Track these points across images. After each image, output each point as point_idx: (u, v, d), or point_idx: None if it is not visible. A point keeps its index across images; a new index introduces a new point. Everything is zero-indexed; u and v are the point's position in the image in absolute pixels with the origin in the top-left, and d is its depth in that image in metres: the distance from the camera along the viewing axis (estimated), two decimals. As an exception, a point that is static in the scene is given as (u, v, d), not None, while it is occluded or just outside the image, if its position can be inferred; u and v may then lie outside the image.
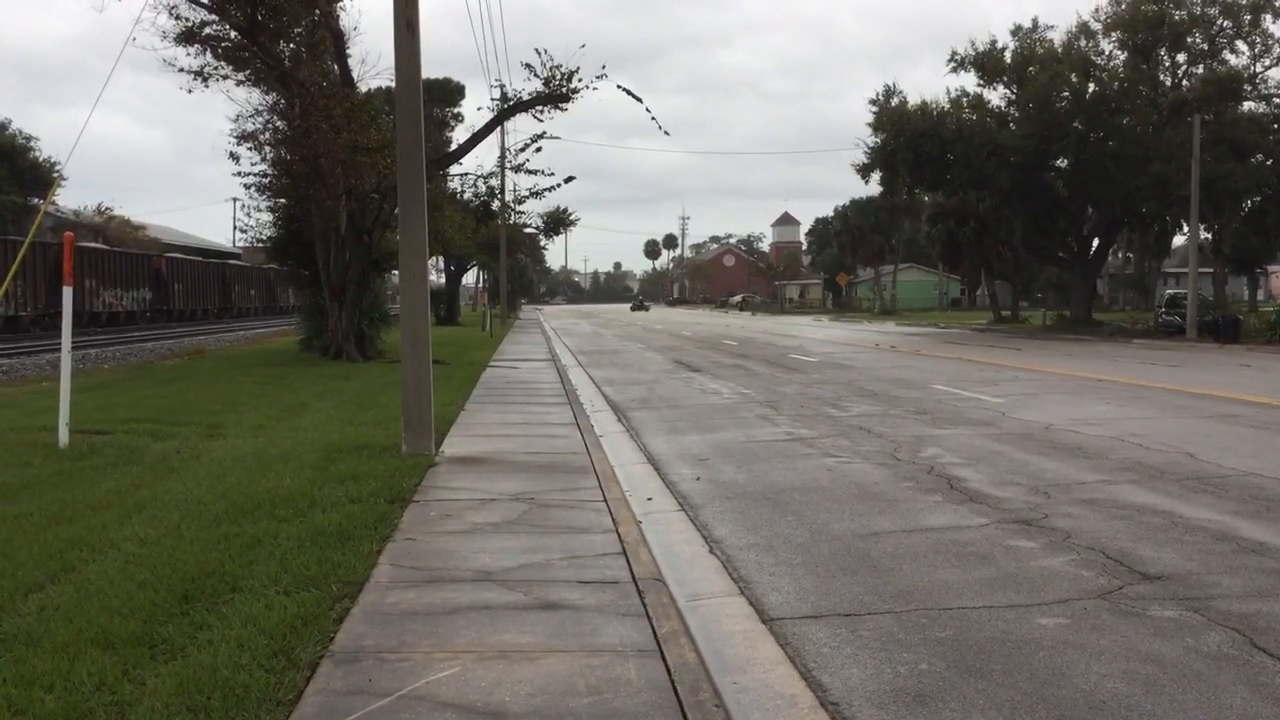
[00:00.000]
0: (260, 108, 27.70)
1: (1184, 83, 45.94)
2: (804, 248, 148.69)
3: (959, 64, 48.07)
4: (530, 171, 25.89)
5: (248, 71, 25.10)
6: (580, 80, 22.72)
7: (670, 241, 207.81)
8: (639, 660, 5.22)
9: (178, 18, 23.35)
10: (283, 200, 28.98)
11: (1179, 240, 64.90)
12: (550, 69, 22.51)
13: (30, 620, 5.60)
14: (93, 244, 50.51)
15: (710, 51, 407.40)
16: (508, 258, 63.98)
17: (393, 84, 13.32)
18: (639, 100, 21.76)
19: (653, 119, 22.36)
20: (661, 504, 9.55)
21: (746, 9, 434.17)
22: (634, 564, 7.01)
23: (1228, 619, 6.05)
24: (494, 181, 30.21)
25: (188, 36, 23.62)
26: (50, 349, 29.31)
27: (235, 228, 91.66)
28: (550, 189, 27.05)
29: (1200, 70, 45.88)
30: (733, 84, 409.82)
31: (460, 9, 52.98)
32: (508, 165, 27.84)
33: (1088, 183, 46.42)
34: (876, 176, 50.89)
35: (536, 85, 22.92)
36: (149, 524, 7.76)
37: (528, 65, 22.58)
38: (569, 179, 26.73)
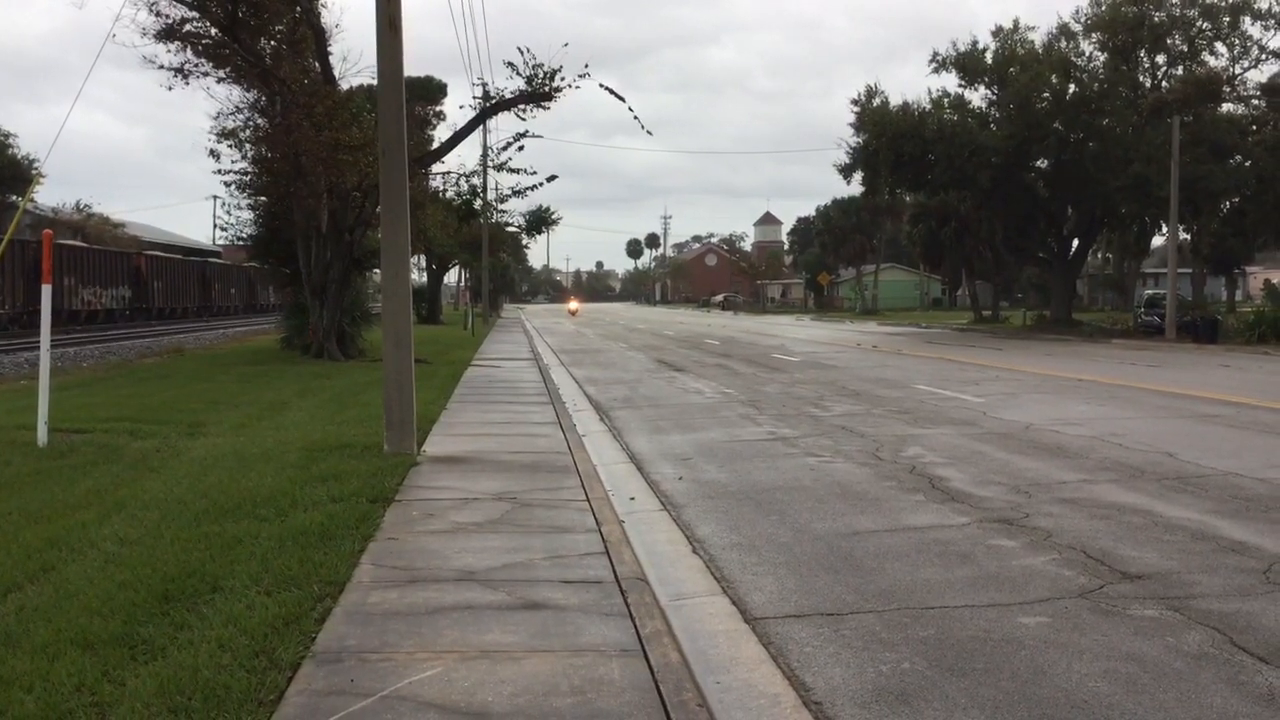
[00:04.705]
0: (241, 105, 27.63)
1: (1163, 84, 46.17)
2: (786, 247, 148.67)
3: (941, 64, 48.24)
4: (513, 170, 25.74)
5: (228, 68, 24.98)
6: (563, 79, 22.63)
7: (652, 241, 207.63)
8: (622, 660, 5.22)
9: (158, 14, 23.23)
10: (264, 198, 28.88)
11: (1158, 241, 65.26)
12: (533, 67, 22.42)
13: (9, 621, 5.56)
14: (72, 242, 50.15)
15: (698, 50, 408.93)
16: (490, 256, 63.87)
17: (374, 82, 13.27)
18: (621, 99, 21.66)
19: (635, 118, 22.24)
20: (644, 503, 9.54)
21: (735, 7, 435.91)
22: (617, 564, 7.01)
23: (1208, 618, 6.08)
24: (476, 180, 30.10)
25: (168, 33, 23.48)
26: (29, 347, 29.11)
27: (216, 226, 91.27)
28: (533, 188, 26.99)
29: (1180, 72, 46.12)
30: (720, 82, 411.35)
31: (443, 6, 53.01)
32: (490, 164, 27.72)
33: (1068, 183, 46.63)
34: (858, 176, 51.06)
35: (519, 84, 22.83)
36: (129, 523, 7.71)
37: (510, 64, 22.49)
38: (551, 178, 26.64)
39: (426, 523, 8.17)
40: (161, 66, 24.15)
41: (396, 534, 7.76)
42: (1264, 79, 46.18)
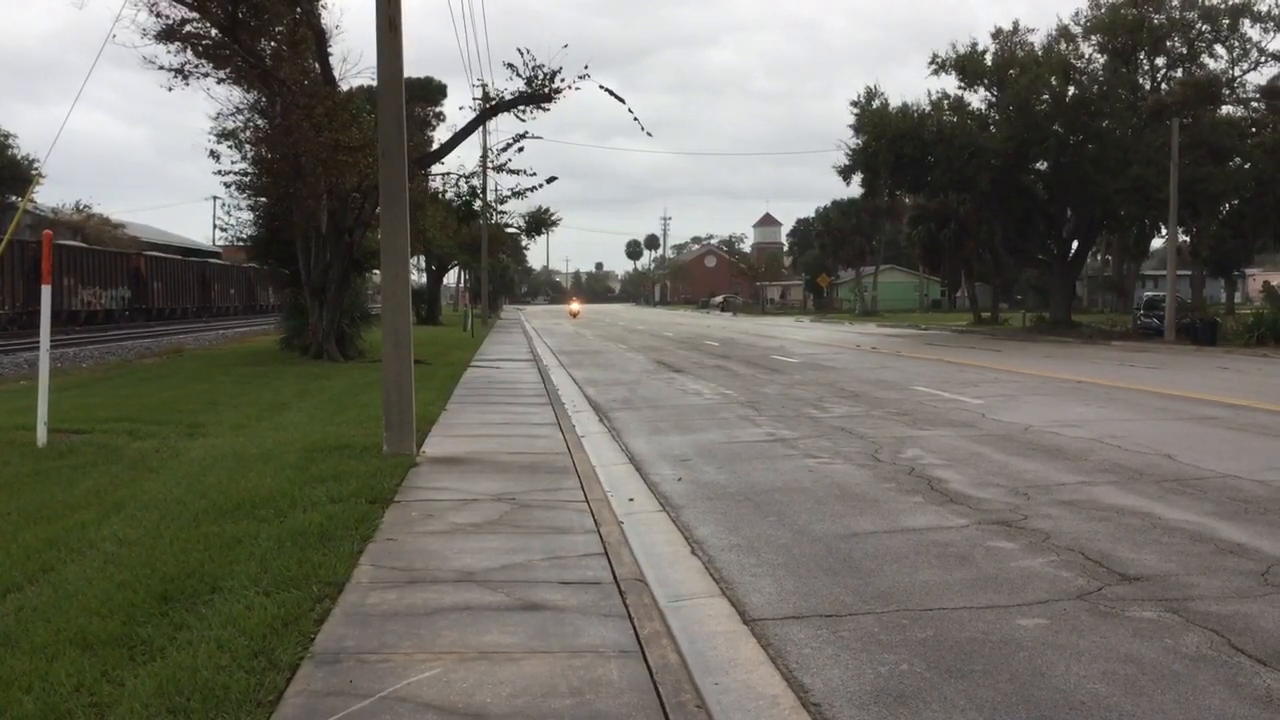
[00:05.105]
0: (241, 106, 27.66)
1: (1163, 86, 46.19)
2: (785, 249, 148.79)
3: (940, 66, 48.17)
4: (512, 171, 25.68)
5: (228, 69, 24.98)
6: (563, 80, 22.64)
7: (652, 242, 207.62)
8: (621, 661, 5.22)
9: (158, 15, 23.22)
10: (263, 199, 28.89)
11: (1157, 243, 65.33)
12: (532, 69, 22.42)
13: (8, 621, 5.56)
14: (71, 242, 50.15)
15: (697, 51, 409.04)
16: (489, 257, 63.88)
17: (374, 83, 13.27)
18: (621, 100, 21.65)
19: (635, 119, 22.22)
20: (643, 504, 9.54)
21: (735, 8, 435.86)
22: (616, 565, 7.01)
23: (1206, 620, 6.09)
24: (476, 181, 30.03)
25: (168, 34, 23.49)
26: (28, 348, 29.11)
27: (215, 226, 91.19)
28: (532, 189, 26.88)
29: (1179, 74, 46.15)
30: (719, 84, 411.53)
31: (443, 7, 53.08)
32: (490, 165, 27.67)
33: (1067, 185, 46.63)
34: (858, 178, 50.97)
35: (519, 85, 22.85)
36: (128, 524, 7.71)
37: (510, 65, 22.49)
38: (551, 179, 26.59)
39: (425, 523, 8.18)
40: (161, 67, 24.17)
41: (395, 535, 7.76)
42: (1263, 81, 46.23)
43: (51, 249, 12.21)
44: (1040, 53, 47.21)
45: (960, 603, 6.45)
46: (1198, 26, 45.72)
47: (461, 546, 7.46)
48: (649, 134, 23.65)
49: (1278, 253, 79.77)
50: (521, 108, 23.31)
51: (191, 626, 5.46)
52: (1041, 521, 8.62)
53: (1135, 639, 5.79)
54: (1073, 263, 53.50)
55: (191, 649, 5.11)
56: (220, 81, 25.51)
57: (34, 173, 56.65)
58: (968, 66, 47.60)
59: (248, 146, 27.28)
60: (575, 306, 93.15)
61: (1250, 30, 45.49)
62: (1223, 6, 45.19)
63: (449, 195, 30.68)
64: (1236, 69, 46.15)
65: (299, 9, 24.33)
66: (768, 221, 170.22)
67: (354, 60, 77.19)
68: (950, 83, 49.20)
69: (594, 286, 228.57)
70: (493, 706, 4.63)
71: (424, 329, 48.25)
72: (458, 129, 25.22)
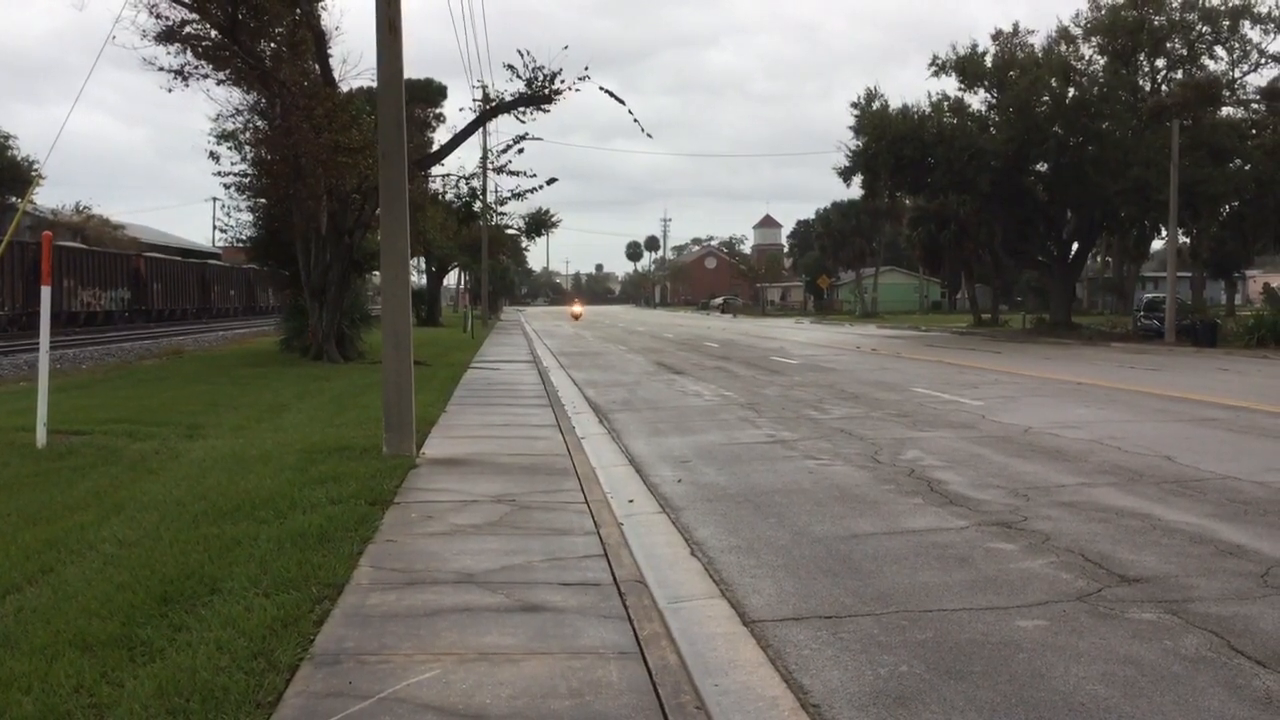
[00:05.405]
0: (241, 107, 27.68)
1: (1163, 88, 46.21)
2: (785, 250, 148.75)
3: (940, 68, 48.18)
4: (512, 173, 25.69)
5: (228, 71, 25.01)
6: (563, 81, 22.66)
7: (652, 243, 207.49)
8: (620, 662, 5.22)
9: (158, 16, 23.27)
10: (263, 200, 28.91)
11: (1158, 244, 65.37)
12: (532, 70, 22.45)
13: (7, 622, 5.56)
14: (71, 243, 50.15)
15: (697, 52, 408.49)
16: (489, 259, 63.92)
17: (374, 84, 13.28)
18: (621, 102, 21.66)
19: (635, 121, 22.24)
20: (643, 506, 9.54)
21: (734, 10, 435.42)
22: (615, 566, 7.01)
23: (1206, 621, 6.09)
24: (476, 182, 30.06)
25: (168, 35, 23.53)
26: (28, 349, 29.12)
27: (215, 227, 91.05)
28: (532, 190, 26.87)
29: (1179, 76, 46.17)
30: (719, 85, 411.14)
31: (443, 8, 53.07)
32: (490, 166, 27.70)
33: (1067, 187, 46.63)
34: (858, 180, 50.97)
35: (519, 86, 22.87)
36: (127, 525, 7.71)
37: (510, 66, 22.50)
38: (551, 180, 26.59)
39: (425, 525, 8.18)
40: (161, 69, 24.21)
41: (395, 536, 7.76)
42: (1263, 83, 46.26)
43: (51, 250, 12.22)
44: (1040, 54, 47.23)
45: (960, 604, 6.45)
46: (1198, 28, 45.74)
47: (461, 548, 7.46)
48: (649, 135, 23.74)
49: (1278, 254, 79.85)
50: (522, 109, 23.33)
51: (191, 628, 5.46)
52: (1041, 523, 8.62)
53: (1135, 640, 5.79)
54: (1073, 264, 53.51)
55: (191, 650, 5.10)
56: (220, 83, 25.57)
57: (34, 174, 56.60)
58: (968, 68, 47.61)
59: (247, 148, 27.32)
60: (578, 308, 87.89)
61: (1250, 32, 45.57)
62: (1223, 8, 45.22)
63: (449, 196, 30.72)
64: (1236, 70, 46.21)
65: (299, 10, 24.35)
66: (768, 223, 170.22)
67: (354, 61, 77.32)
68: (950, 84, 49.26)
69: (594, 288, 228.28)
70: (492, 707, 4.63)
71: (424, 330, 48.23)
72: (458, 130, 25.27)
